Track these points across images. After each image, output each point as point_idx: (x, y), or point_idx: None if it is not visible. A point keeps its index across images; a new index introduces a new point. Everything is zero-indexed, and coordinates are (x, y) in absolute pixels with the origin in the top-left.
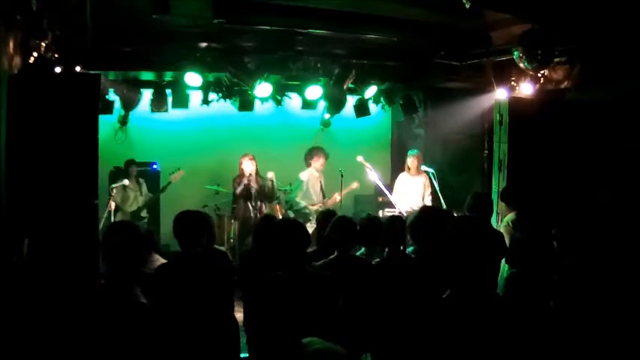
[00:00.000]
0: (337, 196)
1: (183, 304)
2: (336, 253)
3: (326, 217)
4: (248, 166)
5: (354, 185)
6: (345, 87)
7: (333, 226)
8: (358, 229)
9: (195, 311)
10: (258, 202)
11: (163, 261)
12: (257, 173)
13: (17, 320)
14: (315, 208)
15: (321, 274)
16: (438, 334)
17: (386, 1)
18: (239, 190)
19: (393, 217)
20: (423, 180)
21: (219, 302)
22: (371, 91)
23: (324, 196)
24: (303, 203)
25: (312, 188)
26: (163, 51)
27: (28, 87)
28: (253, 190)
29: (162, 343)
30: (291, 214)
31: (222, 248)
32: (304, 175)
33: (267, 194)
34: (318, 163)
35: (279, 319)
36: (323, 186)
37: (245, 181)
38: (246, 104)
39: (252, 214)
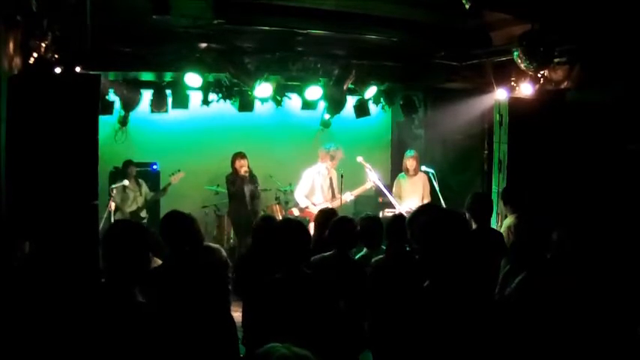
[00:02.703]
0: (348, 196)
1: (176, 304)
2: (333, 251)
3: (325, 215)
4: (241, 166)
5: (368, 185)
6: (344, 87)
7: (334, 225)
8: (358, 229)
9: (188, 310)
10: (254, 202)
11: (158, 262)
12: (250, 173)
13: (18, 320)
14: (317, 208)
15: (319, 276)
16: (423, 327)
17: (386, 1)
18: (232, 190)
19: (395, 216)
20: (423, 181)
21: (213, 299)
22: (371, 91)
23: (333, 195)
24: (304, 202)
25: (318, 187)
26: (163, 51)
27: (28, 87)
28: (247, 190)
29: (160, 342)
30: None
31: (216, 246)
32: (307, 172)
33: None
34: (329, 162)
35: (275, 320)
36: (334, 184)
37: (238, 181)
38: (246, 105)
39: (245, 214)
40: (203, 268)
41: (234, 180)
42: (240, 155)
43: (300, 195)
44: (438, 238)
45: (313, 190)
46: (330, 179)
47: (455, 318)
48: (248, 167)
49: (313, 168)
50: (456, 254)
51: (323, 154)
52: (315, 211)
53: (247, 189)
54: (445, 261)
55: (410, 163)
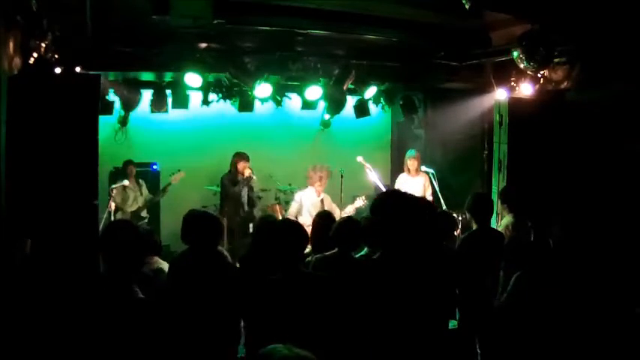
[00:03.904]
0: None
1: (191, 302)
2: (335, 250)
3: (321, 218)
4: (244, 168)
5: (360, 202)
6: (344, 87)
7: (339, 225)
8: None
9: (201, 310)
10: (251, 207)
11: (162, 262)
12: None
13: (19, 319)
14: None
15: (317, 276)
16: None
17: (386, 1)
18: (231, 191)
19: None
20: (423, 180)
21: (220, 301)
22: (371, 91)
23: None
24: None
25: (305, 209)
26: (163, 51)
27: (28, 88)
28: (244, 194)
29: (163, 339)
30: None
31: (221, 249)
32: (298, 195)
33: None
34: (316, 184)
35: (275, 320)
36: (326, 207)
37: (240, 183)
38: (246, 105)
39: (241, 218)
40: (216, 269)
41: (235, 181)
42: (244, 157)
43: (291, 216)
44: (387, 212)
45: (300, 212)
46: (322, 201)
47: (404, 288)
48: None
49: (304, 191)
50: (404, 228)
51: (311, 175)
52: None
53: (245, 192)
54: (394, 233)
55: (411, 163)
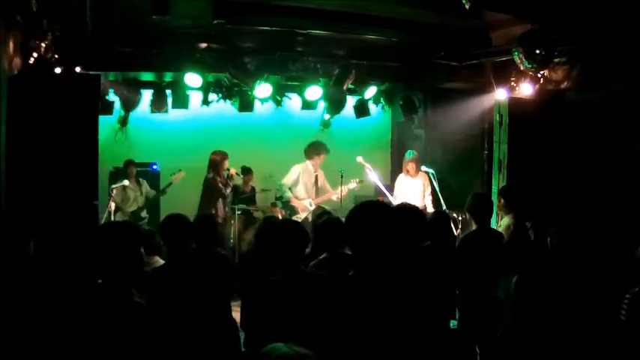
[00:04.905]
0: (332, 195)
1: (176, 305)
2: (325, 254)
3: (320, 218)
4: (227, 166)
5: (353, 185)
6: (344, 87)
7: (320, 228)
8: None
9: (188, 311)
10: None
11: (162, 262)
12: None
13: (20, 319)
14: (301, 204)
15: (317, 275)
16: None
17: (386, 1)
18: (224, 191)
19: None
20: (422, 181)
21: (214, 303)
22: (371, 91)
23: (317, 195)
24: (288, 193)
25: (302, 183)
26: (163, 51)
27: (28, 88)
28: (228, 191)
29: (156, 342)
30: (279, 205)
31: (223, 253)
32: (297, 168)
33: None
34: (315, 160)
35: (274, 320)
36: (320, 184)
37: (232, 181)
38: (246, 105)
39: (226, 216)
40: (202, 271)
41: (225, 182)
42: (227, 155)
43: (285, 187)
44: (360, 228)
45: (296, 185)
46: (316, 177)
47: (379, 306)
48: None
49: (301, 164)
50: (379, 244)
51: (309, 150)
52: (297, 204)
53: (228, 191)
54: (369, 250)
55: (410, 164)
